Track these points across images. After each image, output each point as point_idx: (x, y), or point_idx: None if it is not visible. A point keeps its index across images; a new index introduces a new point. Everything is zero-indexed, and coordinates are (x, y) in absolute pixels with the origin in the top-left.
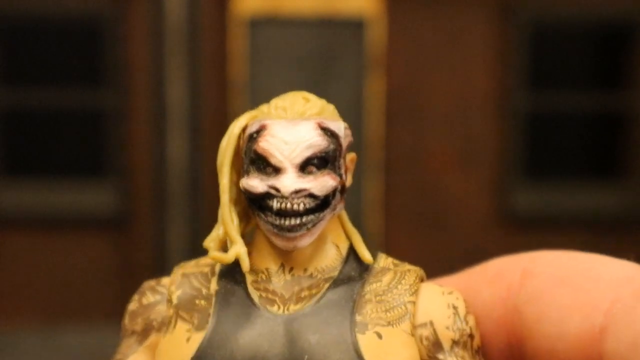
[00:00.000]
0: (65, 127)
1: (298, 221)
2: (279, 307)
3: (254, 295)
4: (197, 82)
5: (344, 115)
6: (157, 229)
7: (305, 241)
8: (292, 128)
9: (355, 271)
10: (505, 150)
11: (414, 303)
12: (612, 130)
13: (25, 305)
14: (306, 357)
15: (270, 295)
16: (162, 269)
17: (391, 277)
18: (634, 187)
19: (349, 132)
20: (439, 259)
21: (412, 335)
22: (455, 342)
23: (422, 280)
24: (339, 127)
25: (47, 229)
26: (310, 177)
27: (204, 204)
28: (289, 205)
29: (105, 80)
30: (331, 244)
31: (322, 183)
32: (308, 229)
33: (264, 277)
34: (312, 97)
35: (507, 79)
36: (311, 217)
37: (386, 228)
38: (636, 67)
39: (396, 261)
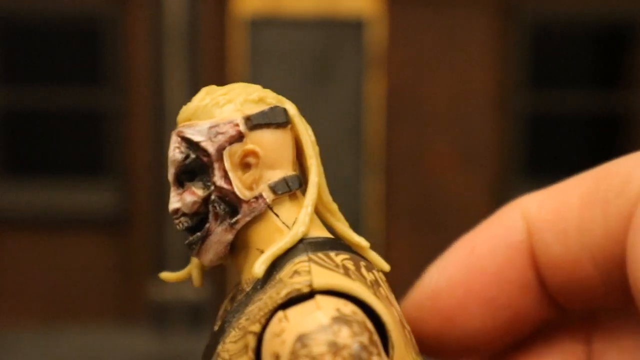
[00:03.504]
0: (65, 127)
1: (187, 240)
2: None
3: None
4: (197, 83)
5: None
6: (156, 229)
7: (206, 258)
8: (170, 143)
9: (260, 284)
10: (506, 149)
11: (255, 335)
12: (612, 130)
13: (25, 305)
14: None
15: (222, 312)
16: (161, 269)
17: (269, 295)
18: None
19: (225, 127)
20: None
21: None
22: None
23: (296, 302)
24: (200, 129)
25: (47, 229)
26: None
27: None
28: (176, 225)
29: (105, 80)
30: (255, 250)
31: (183, 201)
32: (199, 247)
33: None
34: (205, 94)
35: (508, 78)
36: (196, 234)
37: (386, 228)
38: (636, 67)
39: (305, 267)
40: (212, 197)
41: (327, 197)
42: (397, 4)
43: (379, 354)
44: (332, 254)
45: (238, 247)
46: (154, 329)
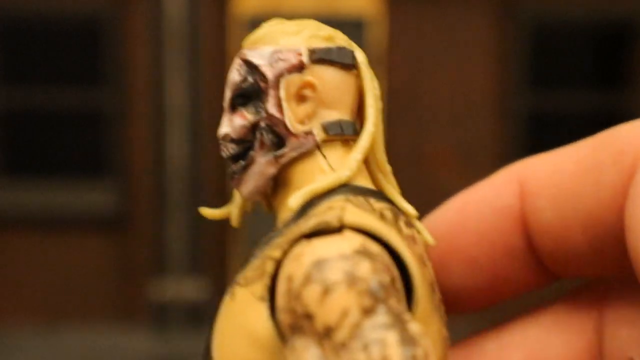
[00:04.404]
0: (65, 127)
1: (230, 169)
2: None
3: None
4: (197, 82)
5: None
6: (157, 229)
7: (245, 188)
8: (231, 65)
9: (294, 221)
10: (506, 150)
11: (274, 261)
12: None
13: (25, 305)
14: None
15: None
16: (162, 269)
17: (298, 226)
18: None
19: (288, 54)
20: None
21: (264, 300)
22: (292, 328)
23: (326, 233)
24: (262, 53)
25: (47, 229)
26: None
27: (204, 203)
28: (222, 152)
29: (105, 80)
30: (296, 189)
31: (232, 124)
32: (239, 176)
33: None
34: (275, 23)
35: (507, 78)
36: (240, 162)
37: None
38: (636, 67)
39: (341, 204)
40: (262, 124)
41: (382, 156)
42: (397, 4)
43: (399, 301)
44: (372, 200)
45: (278, 187)
46: (154, 329)
